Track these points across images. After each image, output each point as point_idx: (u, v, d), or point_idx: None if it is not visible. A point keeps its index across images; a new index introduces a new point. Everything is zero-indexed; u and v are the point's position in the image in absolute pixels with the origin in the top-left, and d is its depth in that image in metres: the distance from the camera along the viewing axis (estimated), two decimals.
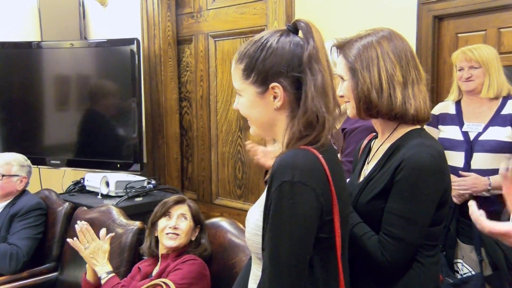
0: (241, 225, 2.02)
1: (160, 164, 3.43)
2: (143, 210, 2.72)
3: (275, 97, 1.11)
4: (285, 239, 1.02)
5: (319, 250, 1.07)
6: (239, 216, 3.07)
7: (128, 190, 2.98)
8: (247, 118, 1.19)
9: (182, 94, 3.50)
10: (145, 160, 3.32)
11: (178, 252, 1.98)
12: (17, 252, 2.53)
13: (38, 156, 3.31)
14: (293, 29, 1.14)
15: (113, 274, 2.00)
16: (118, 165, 3.20)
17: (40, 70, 3.44)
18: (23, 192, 2.77)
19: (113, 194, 3.00)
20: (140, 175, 3.18)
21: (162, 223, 2.01)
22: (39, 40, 3.69)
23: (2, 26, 3.63)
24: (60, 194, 3.06)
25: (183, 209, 2.03)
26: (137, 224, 2.33)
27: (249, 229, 1.17)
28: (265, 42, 1.12)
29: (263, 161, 1.89)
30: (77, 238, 2.03)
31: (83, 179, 3.25)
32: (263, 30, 2.69)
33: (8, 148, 3.20)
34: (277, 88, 1.11)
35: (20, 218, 2.63)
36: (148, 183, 3.08)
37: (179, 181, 3.53)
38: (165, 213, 2.02)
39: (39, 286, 2.60)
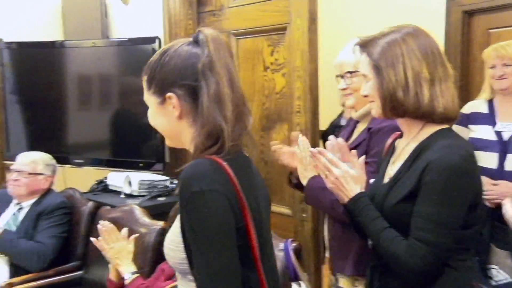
0: None
1: (182, 164, 3.42)
2: (166, 210, 2.71)
3: (174, 107, 1.10)
4: (212, 251, 0.98)
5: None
6: None
7: (151, 190, 2.99)
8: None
9: None
10: (167, 160, 3.32)
11: None
12: (43, 249, 2.56)
13: (61, 155, 3.35)
14: (196, 39, 1.12)
15: (138, 274, 2.00)
16: (141, 165, 3.21)
17: (63, 69, 3.47)
18: (49, 190, 2.80)
19: (136, 194, 3.02)
20: (163, 174, 3.18)
21: None
22: (62, 39, 3.74)
23: (26, 25, 3.68)
24: (84, 193, 3.09)
25: None
26: (160, 224, 2.33)
27: (166, 243, 1.13)
28: (164, 52, 1.12)
29: (288, 162, 1.85)
30: (101, 237, 2.03)
31: (106, 178, 3.27)
32: (285, 27, 2.65)
33: (33, 147, 3.25)
34: (172, 97, 1.09)
35: (45, 216, 2.66)
36: (171, 182, 3.08)
37: None
38: None
39: (64, 284, 2.64)
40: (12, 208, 2.74)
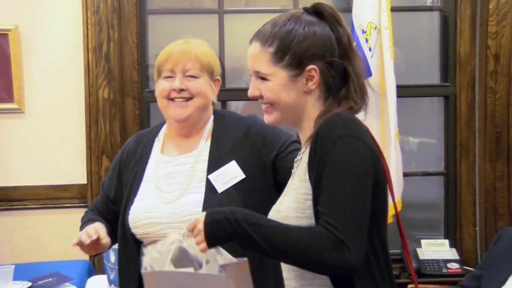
0: None
1: None
2: None
3: (308, 80, 1.11)
4: (350, 192, 1.03)
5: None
6: None
7: None
8: (271, 103, 1.14)
9: None
10: None
11: None
12: None
13: None
14: (319, 13, 1.14)
15: None
16: None
17: None
18: None
19: None
20: None
21: None
22: None
23: None
24: None
25: None
26: None
27: (287, 214, 1.10)
28: (294, 24, 1.12)
29: None
30: None
31: None
32: None
33: None
34: (313, 70, 1.11)
35: None
36: None
37: None
38: None
39: None
40: None
